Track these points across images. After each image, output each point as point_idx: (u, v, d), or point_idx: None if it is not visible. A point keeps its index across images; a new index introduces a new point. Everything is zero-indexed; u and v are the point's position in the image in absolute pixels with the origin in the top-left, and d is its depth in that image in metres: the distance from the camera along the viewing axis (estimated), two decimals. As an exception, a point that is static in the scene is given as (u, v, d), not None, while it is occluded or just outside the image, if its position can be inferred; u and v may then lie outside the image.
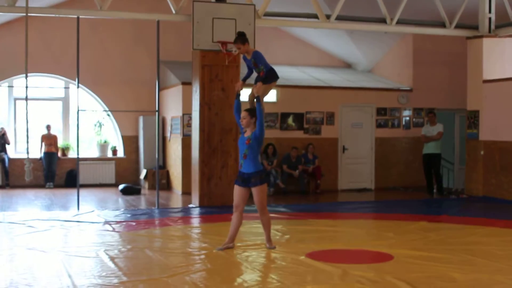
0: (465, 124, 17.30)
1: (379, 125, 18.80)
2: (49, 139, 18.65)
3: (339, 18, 15.49)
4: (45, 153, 18.52)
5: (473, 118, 16.70)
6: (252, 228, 11.15)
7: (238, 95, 9.44)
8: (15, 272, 7.84)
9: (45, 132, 18.72)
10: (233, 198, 9.24)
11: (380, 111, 18.81)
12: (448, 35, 16.73)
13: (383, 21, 15.80)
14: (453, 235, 10.75)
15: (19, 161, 17.92)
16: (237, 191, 9.17)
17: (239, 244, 9.46)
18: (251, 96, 9.41)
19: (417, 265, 8.24)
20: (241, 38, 9.52)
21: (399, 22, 15.87)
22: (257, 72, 9.59)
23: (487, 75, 16.38)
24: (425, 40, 18.71)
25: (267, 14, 15.08)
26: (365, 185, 18.57)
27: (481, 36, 16.40)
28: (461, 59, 17.51)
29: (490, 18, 16.42)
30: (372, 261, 8.56)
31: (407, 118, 19.09)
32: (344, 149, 18.43)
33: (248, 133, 9.19)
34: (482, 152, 16.48)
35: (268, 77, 9.52)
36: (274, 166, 17.18)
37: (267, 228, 9.36)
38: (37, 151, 18.54)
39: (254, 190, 9.06)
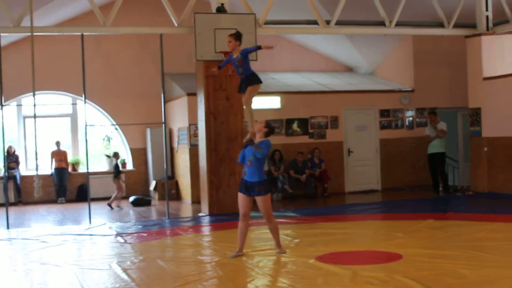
0: (467, 122, 17.27)
1: (383, 127, 18.78)
2: (59, 155, 18.69)
3: (339, 23, 15.50)
4: (55, 169, 18.56)
5: (475, 116, 16.66)
6: (262, 234, 11.13)
7: (247, 144, 9.32)
8: (30, 287, 7.85)
9: (55, 148, 18.77)
10: (239, 207, 9.21)
11: (383, 113, 18.79)
12: (447, 34, 16.73)
13: (382, 24, 15.81)
14: (461, 232, 10.73)
15: (30, 178, 17.96)
16: (242, 200, 9.14)
17: (249, 251, 9.45)
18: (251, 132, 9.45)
19: (426, 263, 8.21)
20: (237, 34, 9.73)
21: (398, 24, 15.87)
22: (238, 74, 9.69)
23: (487, 73, 16.34)
24: (425, 41, 18.70)
25: (268, 23, 15.08)
26: (371, 187, 18.53)
27: (480, 34, 16.38)
28: (461, 58, 17.48)
29: (487, 16, 16.41)
30: (382, 261, 8.52)
31: (410, 119, 19.06)
32: (349, 151, 18.40)
33: (257, 140, 9.16)
34: (485, 149, 16.43)
35: (251, 80, 9.58)
36: (281, 171, 17.16)
37: (275, 234, 9.34)
38: (47, 168, 18.59)
39: (258, 199, 9.03)
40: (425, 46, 18.87)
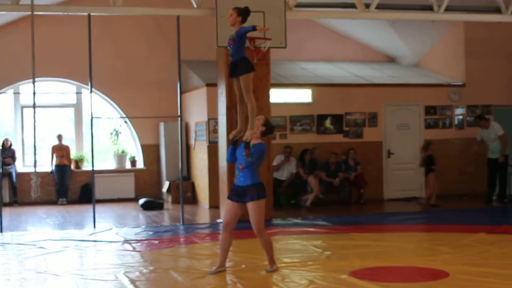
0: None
1: (428, 126, 18.69)
2: (60, 151, 18.76)
3: (380, 7, 15.39)
4: (56, 165, 18.64)
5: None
6: (288, 245, 11.16)
7: (235, 141, 9.23)
8: (26, 299, 7.93)
9: (56, 142, 18.86)
10: (224, 215, 9.10)
11: (429, 110, 18.70)
12: (504, 21, 16.54)
13: (429, 8, 15.68)
14: (516, 247, 10.67)
15: (28, 175, 17.98)
16: (229, 207, 8.98)
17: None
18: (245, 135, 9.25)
19: (475, 282, 8.14)
20: (242, 9, 9.47)
21: (447, 9, 15.73)
22: (229, 54, 9.49)
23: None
24: (478, 28, 18.52)
25: (299, 5, 15.04)
26: (414, 194, 18.42)
27: (543, 22, 16.22)
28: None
29: (552, 1, 16.27)
30: (425, 279, 8.48)
31: (460, 117, 18.94)
32: (389, 153, 18.33)
33: (252, 142, 8.95)
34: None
35: (240, 66, 9.35)
36: (311, 174, 17.15)
37: (269, 250, 9.07)
38: (47, 164, 18.69)
39: (250, 206, 8.78)
40: (479, 34, 18.71)
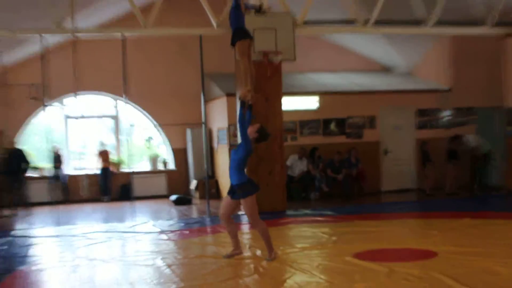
0: (504, 121, 17.23)
1: (420, 127, 18.84)
2: (104, 155, 19.01)
3: (377, 22, 15.47)
4: (100, 168, 18.90)
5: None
6: (301, 232, 11.32)
7: (250, 106, 8.89)
8: (79, 282, 8.16)
9: (100, 148, 19.10)
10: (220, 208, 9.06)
11: (421, 113, 18.85)
12: (484, 34, 16.55)
13: (420, 22, 15.75)
14: (497, 230, 10.78)
15: (74, 177, 18.35)
16: (225, 201, 8.92)
17: (287, 248, 9.62)
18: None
19: (461, 260, 8.24)
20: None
21: (437, 23, 15.76)
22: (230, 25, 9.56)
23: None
24: (464, 39, 18.49)
25: (307, 23, 15.15)
26: (408, 186, 18.56)
27: (517, 34, 16.28)
28: (499, 56, 17.39)
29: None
30: (417, 259, 8.58)
31: (448, 118, 19.06)
32: (386, 151, 18.50)
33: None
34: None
35: (234, 35, 9.32)
36: (319, 170, 17.35)
37: (265, 238, 8.79)
38: (94, 168, 18.95)
39: (242, 202, 8.66)
40: (464, 44, 18.69)
